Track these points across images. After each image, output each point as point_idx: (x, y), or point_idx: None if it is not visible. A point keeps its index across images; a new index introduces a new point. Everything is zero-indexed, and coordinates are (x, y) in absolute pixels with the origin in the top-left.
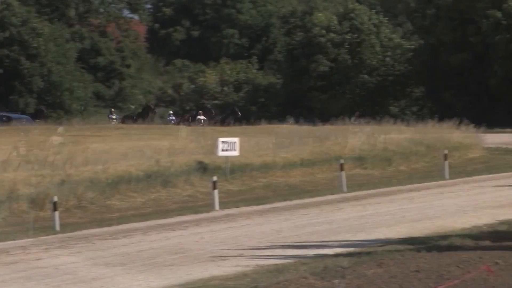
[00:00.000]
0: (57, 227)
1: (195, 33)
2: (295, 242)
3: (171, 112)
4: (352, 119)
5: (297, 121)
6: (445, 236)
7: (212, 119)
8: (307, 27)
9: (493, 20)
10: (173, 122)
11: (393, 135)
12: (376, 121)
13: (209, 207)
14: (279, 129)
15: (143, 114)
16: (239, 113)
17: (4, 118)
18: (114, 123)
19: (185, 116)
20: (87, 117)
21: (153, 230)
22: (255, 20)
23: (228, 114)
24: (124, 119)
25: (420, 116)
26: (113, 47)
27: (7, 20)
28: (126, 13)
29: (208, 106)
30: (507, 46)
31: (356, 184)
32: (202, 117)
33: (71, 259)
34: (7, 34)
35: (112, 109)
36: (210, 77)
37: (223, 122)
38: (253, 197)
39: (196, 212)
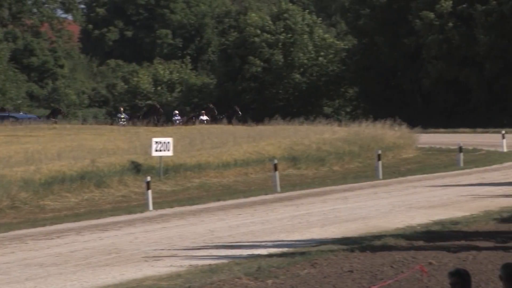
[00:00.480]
0: None
1: (129, 33)
2: (229, 242)
3: (177, 112)
4: None
5: (230, 122)
6: (378, 236)
7: (215, 119)
8: (241, 27)
9: (426, 20)
10: (178, 122)
11: (327, 135)
12: (309, 121)
13: (143, 207)
14: (213, 129)
15: (149, 114)
16: (240, 112)
17: (10, 119)
18: (122, 122)
19: (190, 116)
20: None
21: (86, 230)
22: (189, 20)
23: (230, 113)
24: (131, 119)
25: (354, 116)
26: (47, 47)
27: None
28: (60, 13)
29: (211, 106)
30: (440, 47)
31: (290, 184)
32: (205, 117)
33: (4, 259)
34: None
35: (122, 108)
36: (143, 77)
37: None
38: (187, 197)
39: (130, 213)
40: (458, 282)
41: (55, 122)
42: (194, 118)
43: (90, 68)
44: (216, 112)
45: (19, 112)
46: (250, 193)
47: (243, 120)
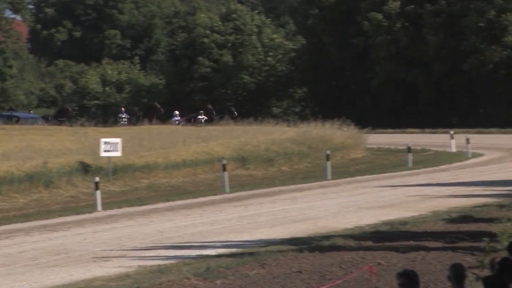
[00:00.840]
0: None
1: (77, 34)
2: (177, 243)
3: (177, 112)
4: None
5: (180, 122)
6: (327, 237)
7: (213, 119)
8: (190, 28)
9: (374, 21)
10: (177, 122)
11: (276, 135)
12: (258, 122)
13: (92, 208)
14: (163, 130)
15: (149, 113)
16: (235, 112)
17: (13, 118)
18: (123, 122)
19: (188, 116)
20: None
21: (35, 231)
22: (137, 20)
23: (225, 114)
24: (132, 118)
25: (303, 117)
26: None
27: None
28: (8, 13)
29: (209, 106)
30: (388, 47)
31: (239, 185)
32: (203, 117)
33: None
34: None
35: (123, 108)
36: (91, 78)
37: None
38: (136, 198)
39: (78, 213)
40: (406, 283)
41: (63, 122)
42: (193, 118)
43: (39, 68)
44: (214, 113)
45: (30, 112)
46: (199, 193)
47: (193, 121)
